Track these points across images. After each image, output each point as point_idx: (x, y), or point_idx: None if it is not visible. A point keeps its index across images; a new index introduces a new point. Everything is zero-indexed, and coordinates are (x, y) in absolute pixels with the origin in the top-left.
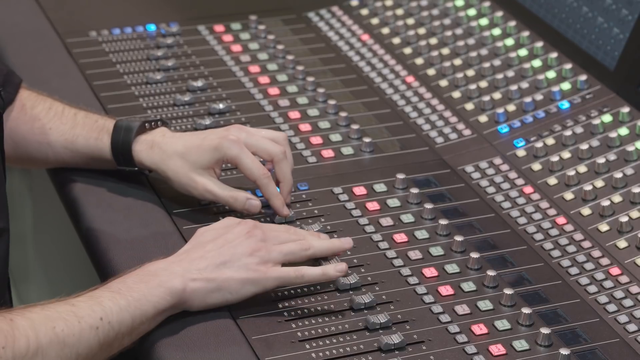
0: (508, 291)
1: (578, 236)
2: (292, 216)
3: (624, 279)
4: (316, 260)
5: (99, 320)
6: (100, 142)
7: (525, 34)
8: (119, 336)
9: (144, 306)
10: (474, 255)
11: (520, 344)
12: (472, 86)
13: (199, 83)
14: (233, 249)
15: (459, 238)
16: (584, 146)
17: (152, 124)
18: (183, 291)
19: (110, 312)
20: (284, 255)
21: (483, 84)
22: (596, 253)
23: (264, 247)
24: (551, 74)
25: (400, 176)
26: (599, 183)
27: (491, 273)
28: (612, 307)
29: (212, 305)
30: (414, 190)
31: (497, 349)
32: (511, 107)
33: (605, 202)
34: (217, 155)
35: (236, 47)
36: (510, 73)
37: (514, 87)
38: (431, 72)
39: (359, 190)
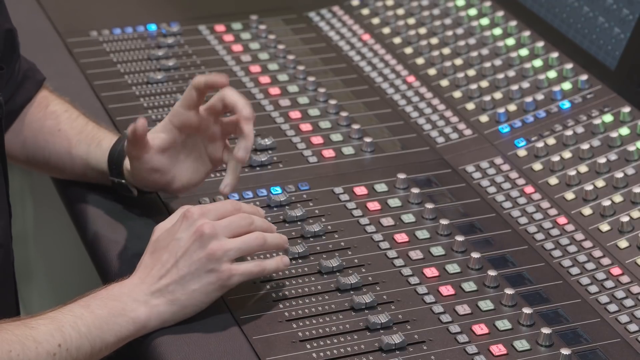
0: (509, 291)
1: (579, 236)
2: (297, 215)
3: (624, 279)
4: None
5: (57, 347)
6: (99, 150)
7: (526, 33)
8: None
9: (105, 334)
10: (475, 255)
11: (521, 344)
12: (473, 86)
13: None
14: (189, 258)
15: (459, 238)
16: (585, 146)
17: None
18: (147, 320)
19: (69, 338)
20: (241, 252)
21: (484, 83)
22: (597, 253)
23: (219, 247)
24: (552, 74)
25: (401, 176)
26: (600, 183)
27: (492, 273)
28: (613, 307)
29: (178, 321)
30: (415, 190)
31: (498, 349)
32: (512, 107)
33: (606, 202)
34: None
35: (237, 47)
36: (511, 73)
37: (514, 87)
38: (432, 71)
39: (360, 190)
